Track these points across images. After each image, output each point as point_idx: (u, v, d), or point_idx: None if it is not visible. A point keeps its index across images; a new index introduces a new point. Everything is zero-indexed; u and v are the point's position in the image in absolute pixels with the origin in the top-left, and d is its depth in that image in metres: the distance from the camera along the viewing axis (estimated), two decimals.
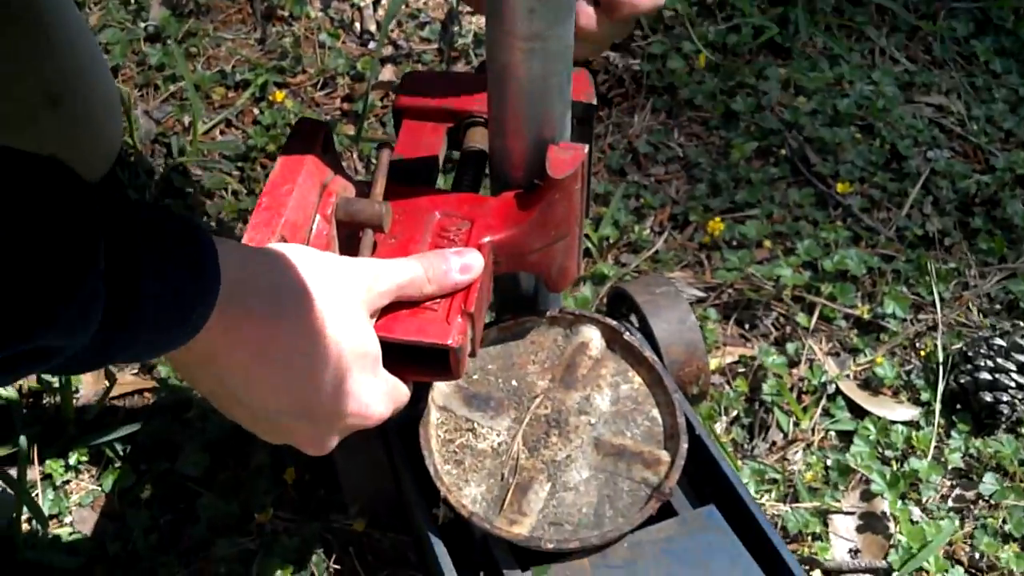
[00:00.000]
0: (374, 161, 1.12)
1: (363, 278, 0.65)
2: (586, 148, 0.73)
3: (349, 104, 1.20)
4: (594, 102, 0.79)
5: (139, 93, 1.21)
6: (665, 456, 0.78)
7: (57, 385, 0.95)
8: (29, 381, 0.97)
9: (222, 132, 1.18)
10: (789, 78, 1.20)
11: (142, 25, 1.26)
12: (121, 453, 0.94)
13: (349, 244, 0.72)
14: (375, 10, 1.28)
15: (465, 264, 0.70)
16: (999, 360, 0.93)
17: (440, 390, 0.81)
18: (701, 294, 1.04)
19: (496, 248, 0.73)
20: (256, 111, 1.19)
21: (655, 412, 0.81)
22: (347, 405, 0.66)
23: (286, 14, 1.27)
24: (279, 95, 1.18)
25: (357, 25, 1.26)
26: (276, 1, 1.28)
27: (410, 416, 0.82)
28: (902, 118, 1.16)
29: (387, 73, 1.23)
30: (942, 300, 1.02)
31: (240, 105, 1.19)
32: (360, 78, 1.21)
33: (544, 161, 0.72)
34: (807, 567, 0.86)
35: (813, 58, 1.22)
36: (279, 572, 0.86)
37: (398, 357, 0.71)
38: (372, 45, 1.24)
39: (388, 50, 1.24)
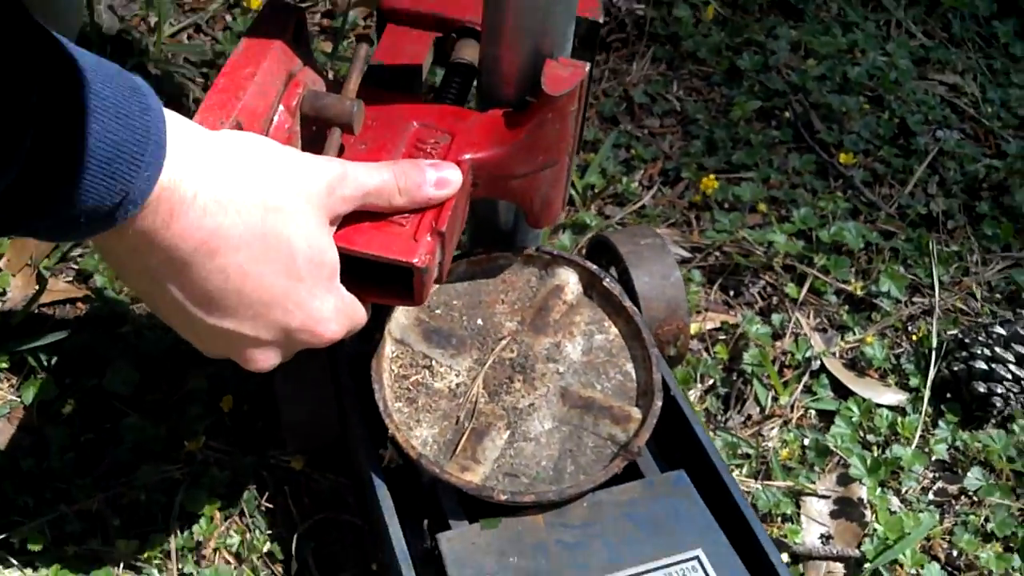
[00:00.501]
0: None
1: (325, 178, 0.59)
2: (587, 66, 0.67)
3: (329, 20, 1.13)
4: (600, 19, 0.74)
5: None
6: (636, 413, 0.72)
7: None
8: None
9: (190, 37, 1.11)
10: (800, 40, 1.15)
11: None
12: (45, 363, 0.87)
13: (314, 143, 0.66)
14: None
15: (441, 178, 0.64)
16: (997, 350, 0.89)
17: (398, 322, 0.75)
18: (687, 254, 0.99)
19: (476, 167, 0.67)
20: (229, 17, 1.12)
21: (629, 366, 0.76)
22: (296, 317, 0.60)
23: None
24: (255, 2, 1.11)
25: None
26: None
27: (363, 348, 0.76)
28: (914, 93, 1.11)
29: None
30: (941, 283, 0.97)
31: (212, 10, 1.12)
32: None
33: (539, 77, 0.66)
34: (777, 541, 0.81)
35: (827, 22, 1.17)
36: (206, 506, 0.80)
37: (357, 274, 0.65)
38: None
39: None
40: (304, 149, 0.66)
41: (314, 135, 0.66)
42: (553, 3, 0.65)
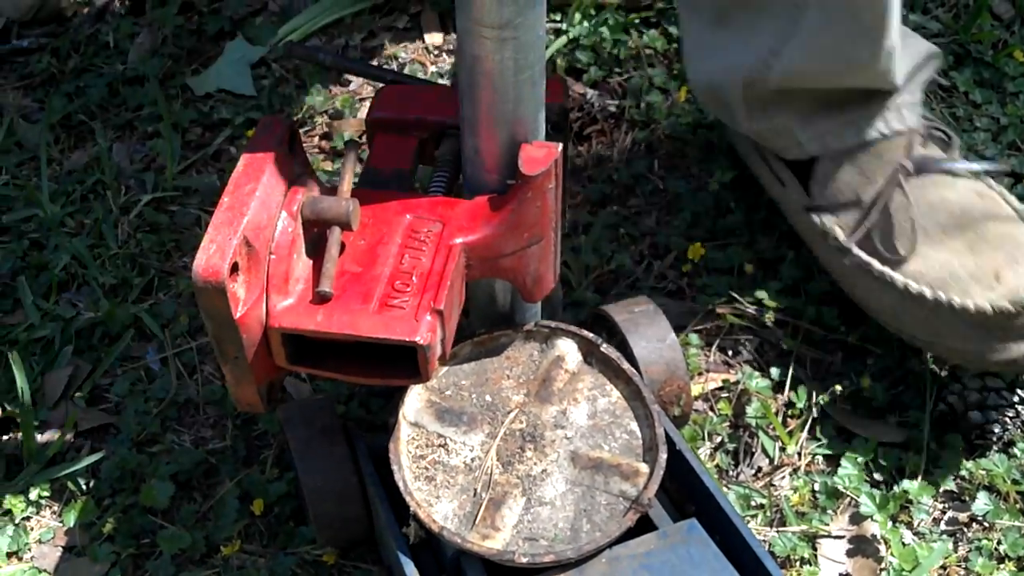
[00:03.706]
0: None
1: None
2: (560, 146, 0.72)
3: (327, 142, 1.20)
4: (568, 105, 0.80)
5: (115, 134, 1.21)
6: (644, 468, 0.76)
7: (19, 419, 0.93)
8: None
9: (198, 171, 1.18)
10: None
11: (121, 69, 1.27)
12: (84, 487, 0.91)
13: (316, 243, 0.72)
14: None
15: None
16: (986, 379, 0.92)
17: (412, 406, 0.80)
18: (683, 321, 1.03)
19: (468, 250, 0.73)
20: (233, 150, 1.19)
21: (633, 425, 0.79)
22: None
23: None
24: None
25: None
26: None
27: (383, 440, 0.80)
28: None
29: (365, 110, 1.23)
30: None
31: (217, 144, 1.20)
32: (339, 116, 1.22)
33: (517, 162, 0.72)
34: None
35: None
36: None
37: (364, 358, 0.70)
38: (352, 87, 1.25)
39: (367, 89, 1.25)
40: (307, 249, 0.71)
41: (316, 236, 0.72)
42: (522, 94, 0.71)
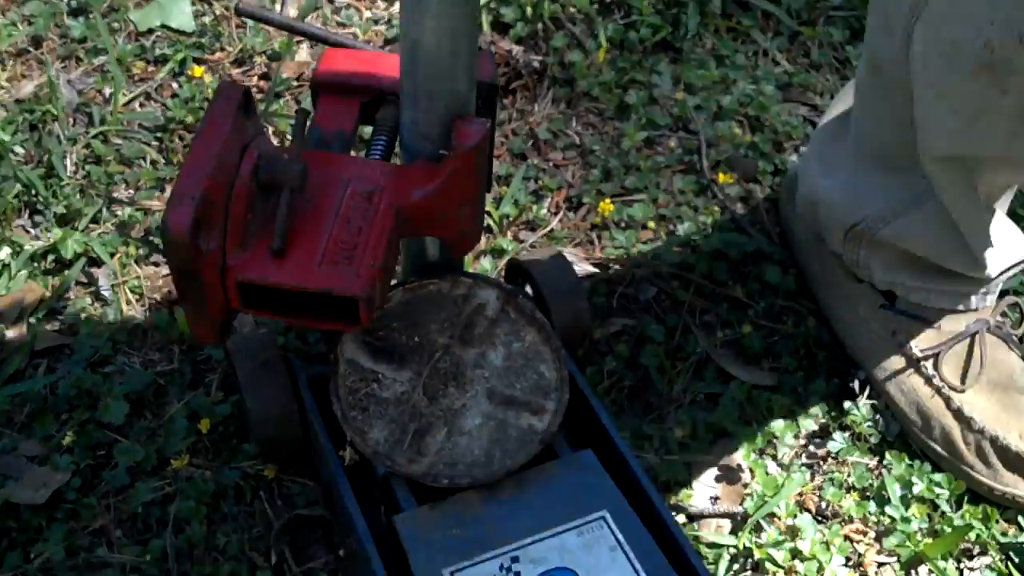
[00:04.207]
0: (289, 135, 1.19)
1: None
2: (489, 123, 0.82)
3: (265, 82, 1.27)
4: (496, 83, 0.89)
5: (62, 64, 1.26)
6: (550, 405, 0.88)
7: None
8: None
9: (141, 105, 1.24)
10: (679, 75, 1.31)
11: (65, 1, 1.31)
12: (43, 403, 1.00)
13: (266, 200, 0.81)
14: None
15: None
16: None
17: (348, 345, 0.90)
18: (591, 269, 1.14)
19: (404, 212, 0.82)
20: (175, 85, 1.26)
21: (543, 367, 0.91)
22: None
23: None
24: (198, 70, 1.25)
25: (277, 7, 1.33)
26: None
27: (320, 369, 0.90)
28: (779, 115, 1.28)
29: (303, 53, 1.31)
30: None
31: (160, 79, 1.26)
32: (277, 57, 1.29)
33: (450, 134, 0.81)
34: (673, 512, 0.97)
35: (702, 57, 1.34)
36: (195, 514, 0.93)
37: (308, 304, 0.79)
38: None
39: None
40: (259, 206, 0.80)
41: (269, 194, 0.81)
42: (456, 74, 0.80)
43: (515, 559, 0.81)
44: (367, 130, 0.94)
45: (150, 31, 1.30)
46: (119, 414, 0.98)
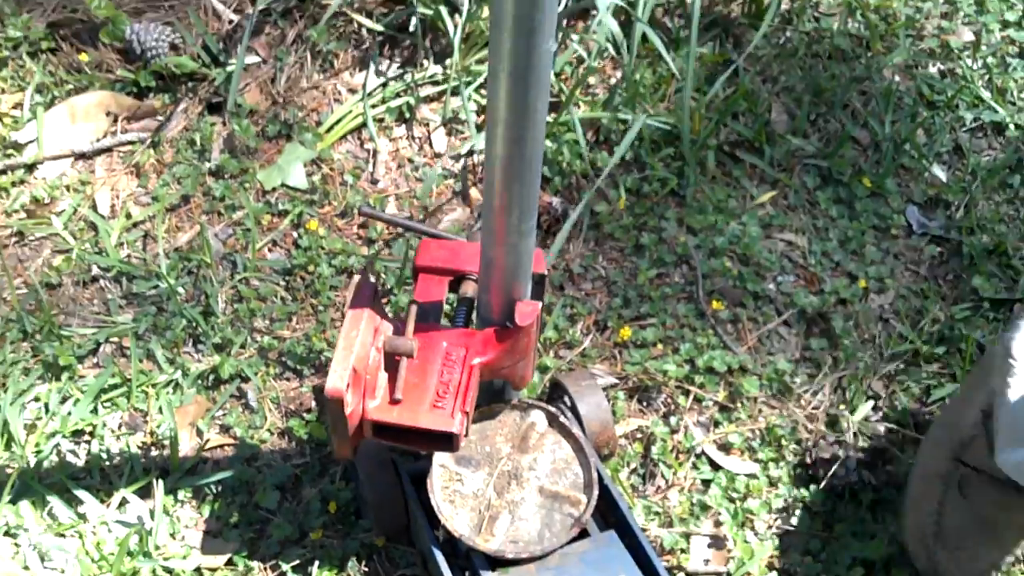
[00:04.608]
0: (383, 275, 1.55)
1: None
2: (539, 304, 1.17)
3: (363, 230, 1.63)
4: (546, 272, 1.24)
5: (207, 218, 1.63)
6: (583, 498, 1.22)
7: (168, 442, 1.37)
8: (147, 437, 1.39)
9: (270, 250, 1.60)
10: (683, 218, 1.65)
11: (206, 165, 1.68)
12: (214, 490, 1.36)
13: (389, 364, 1.16)
14: (376, 161, 1.71)
15: None
16: (823, 428, 1.39)
17: (440, 454, 1.25)
18: (614, 380, 1.49)
19: (483, 366, 1.17)
20: (295, 234, 1.62)
21: (579, 469, 1.25)
22: None
23: (315, 155, 1.69)
24: (312, 224, 1.60)
25: (369, 168, 1.69)
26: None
27: (419, 467, 1.25)
28: (761, 251, 1.62)
29: (391, 207, 1.66)
30: (788, 389, 1.48)
31: (282, 229, 1.62)
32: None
33: (513, 311, 1.16)
34: (676, 571, 1.31)
35: (702, 203, 1.68)
36: (327, 572, 1.28)
37: (419, 437, 1.14)
38: (381, 185, 1.68)
39: (392, 188, 1.67)
40: (385, 365, 1.15)
41: (390, 360, 1.16)
42: (519, 273, 1.15)
43: None
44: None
45: (273, 189, 1.66)
46: (272, 500, 1.34)
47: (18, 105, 1.74)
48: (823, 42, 1.89)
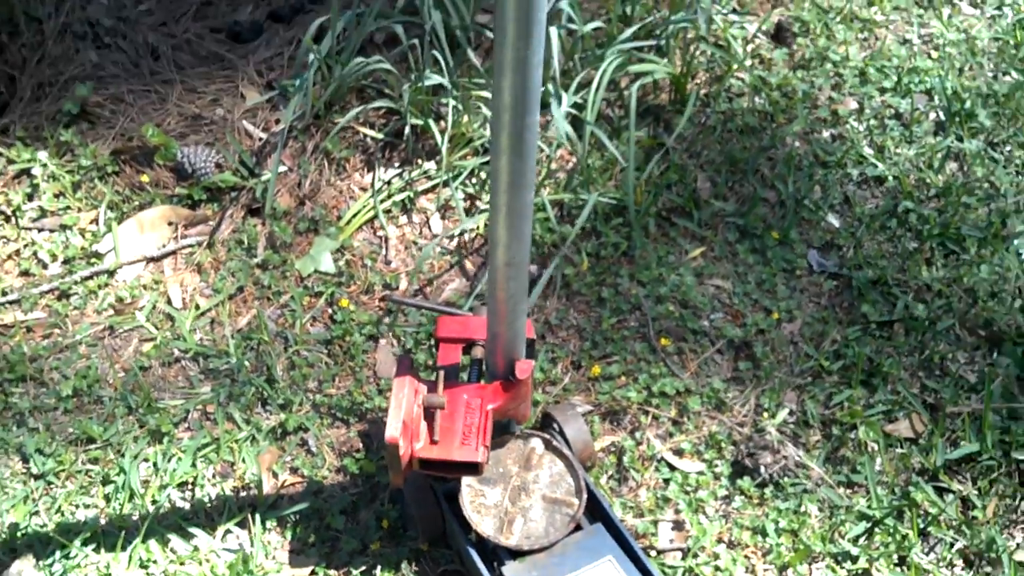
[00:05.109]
0: (403, 338, 1.93)
1: None
2: (533, 362, 1.57)
3: (383, 303, 2.02)
4: (535, 337, 1.63)
5: (259, 303, 2.01)
6: (575, 501, 1.62)
7: (253, 483, 1.75)
8: (237, 481, 1.77)
9: (312, 325, 1.99)
10: (634, 274, 2.06)
11: (254, 259, 2.06)
12: (294, 519, 1.74)
13: (427, 414, 1.54)
14: (388, 245, 2.10)
15: None
16: (756, 438, 1.80)
17: (466, 477, 1.64)
18: (589, 408, 1.88)
19: (494, 410, 1.57)
20: (330, 311, 2.00)
21: (570, 479, 1.65)
22: None
23: (339, 245, 2.08)
24: (344, 302, 1.99)
25: (383, 251, 2.08)
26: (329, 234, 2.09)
27: (452, 487, 1.64)
28: (696, 295, 2.02)
29: (402, 283, 2.05)
30: (723, 404, 1.88)
31: (319, 307, 2.00)
32: (388, 286, 2.03)
33: (514, 369, 1.56)
34: (648, 551, 1.71)
35: (648, 261, 2.08)
36: (387, 573, 1.67)
37: (452, 467, 1.53)
38: (393, 265, 2.07)
39: (403, 267, 2.06)
40: (425, 416, 1.54)
41: (428, 412, 1.55)
42: (516, 340, 1.54)
43: None
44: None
45: (309, 275, 2.04)
46: (339, 522, 1.72)
47: (94, 221, 2.11)
48: (735, 119, 2.30)
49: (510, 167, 1.22)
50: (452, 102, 2.13)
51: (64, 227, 2.10)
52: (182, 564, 1.68)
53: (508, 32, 1.06)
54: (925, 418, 1.87)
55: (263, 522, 1.73)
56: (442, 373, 1.58)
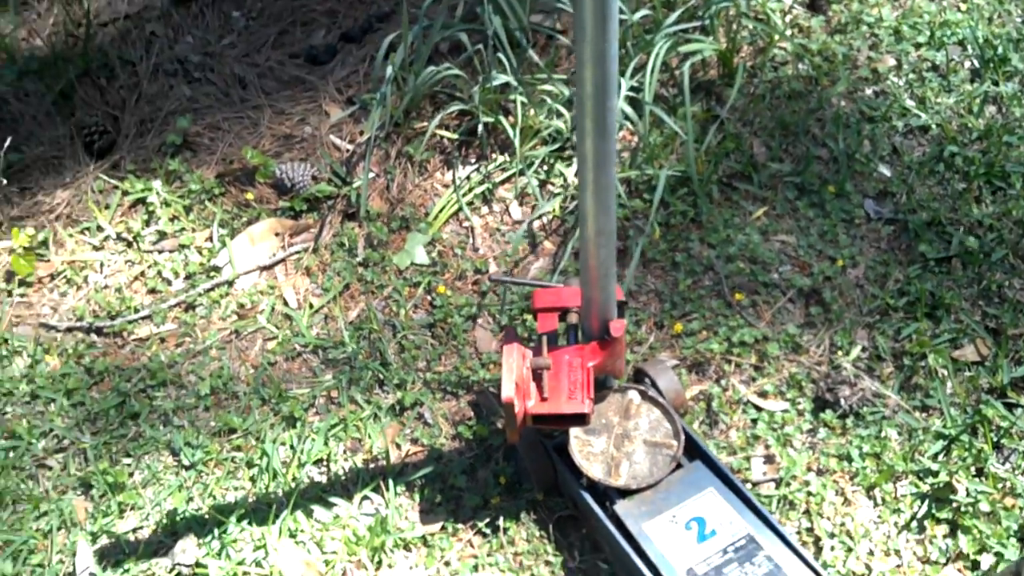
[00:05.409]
0: (498, 314, 2.10)
1: None
2: (625, 320, 1.72)
3: (476, 286, 2.18)
4: (625, 300, 1.78)
5: (365, 296, 2.18)
6: (675, 443, 1.77)
7: (381, 455, 1.93)
8: (366, 455, 1.95)
9: (415, 312, 2.16)
10: (704, 238, 2.20)
11: (356, 259, 2.24)
12: (420, 483, 1.91)
13: (535, 376, 1.70)
14: (474, 234, 2.27)
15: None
16: (837, 374, 1.93)
17: (574, 428, 1.79)
18: (676, 362, 2.03)
19: (594, 367, 1.72)
20: (429, 298, 2.17)
21: (667, 424, 1.80)
22: None
23: (429, 238, 2.25)
24: (441, 288, 2.16)
25: (470, 240, 2.25)
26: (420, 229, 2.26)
27: (561, 440, 1.80)
28: (764, 252, 2.16)
29: (491, 266, 2.21)
30: (798, 346, 2.02)
31: (419, 296, 2.17)
32: (479, 271, 2.20)
33: (609, 328, 1.71)
34: (744, 482, 1.85)
35: (715, 225, 2.22)
36: (509, 523, 1.83)
37: (562, 419, 1.69)
38: (481, 251, 2.23)
39: (493, 255, 2.23)
40: (534, 377, 1.70)
41: (536, 373, 1.70)
42: (608, 302, 1.70)
43: (674, 516, 1.69)
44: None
45: (406, 268, 2.21)
46: (462, 481, 1.89)
47: (208, 238, 2.31)
48: (782, 86, 2.43)
49: (595, 148, 1.37)
50: (519, 98, 2.29)
51: (182, 246, 2.30)
52: (327, 530, 1.86)
53: (587, 29, 1.21)
54: (988, 342, 1.99)
55: (394, 487, 1.90)
56: (545, 338, 1.74)
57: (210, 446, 1.99)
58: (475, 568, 1.79)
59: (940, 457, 1.85)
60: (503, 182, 2.32)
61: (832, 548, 1.77)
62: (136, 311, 2.22)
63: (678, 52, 2.36)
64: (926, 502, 1.80)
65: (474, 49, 2.34)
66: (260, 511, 1.88)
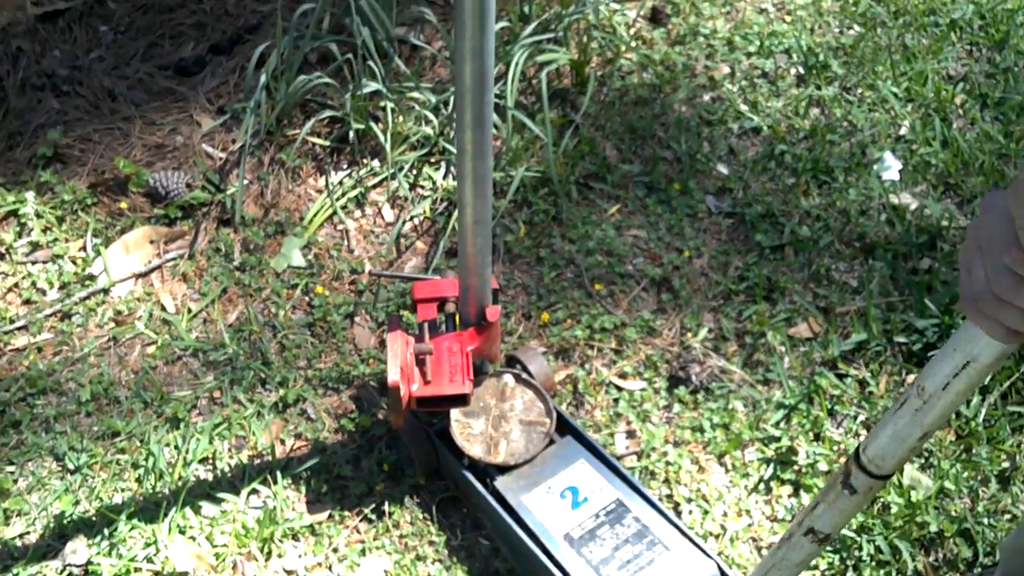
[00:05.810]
0: (383, 309, 2.17)
1: None
2: (499, 306, 1.82)
3: (352, 285, 2.25)
4: (498, 287, 1.89)
5: (244, 301, 2.21)
6: (548, 420, 1.88)
7: (266, 451, 1.97)
8: (251, 451, 1.99)
9: (293, 312, 2.21)
10: (564, 234, 2.33)
11: (232, 264, 2.26)
12: (306, 475, 1.96)
13: (418, 361, 1.79)
14: (348, 236, 2.33)
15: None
16: (692, 352, 2.08)
17: (453, 412, 1.88)
18: (544, 349, 2.15)
19: (472, 351, 1.82)
20: (307, 299, 2.22)
21: (540, 404, 1.91)
22: None
23: (305, 242, 2.30)
24: (319, 289, 2.21)
25: (345, 243, 2.31)
26: (293, 231, 2.31)
27: (441, 424, 1.89)
28: (619, 245, 2.31)
29: (366, 267, 2.28)
30: (652, 330, 2.17)
31: (297, 297, 2.22)
32: (355, 271, 2.26)
33: (484, 314, 1.81)
34: (610, 455, 1.98)
35: (574, 222, 2.36)
36: (393, 505, 1.91)
37: (445, 401, 1.78)
38: (356, 253, 2.30)
39: (364, 254, 2.30)
40: (416, 363, 1.78)
41: (418, 359, 1.79)
42: (484, 289, 1.79)
43: (550, 487, 1.81)
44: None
45: (283, 271, 2.26)
46: (347, 471, 1.95)
47: (82, 248, 2.29)
48: (629, 93, 2.60)
49: (473, 139, 1.47)
50: (389, 104, 2.37)
51: (56, 257, 2.28)
52: (216, 524, 1.89)
53: (467, 26, 1.31)
54: (820, 319, 2.19)
55: (281, 480, 1.95)
56: (426, 326, 1.82)
57: (94, 450, 1.98)
58: (362, 552, 1.86)
59: (782, 425, 2.03)
60: (375, 186, 2.39)
61: (690, 512, 1.92)
62: (11, 322, 2.19)
63: (535, 62, 2.49)
64: (771, 466, 1.97)
65: (343, 59, 2.41)
66: (149, 510, 1.90)
